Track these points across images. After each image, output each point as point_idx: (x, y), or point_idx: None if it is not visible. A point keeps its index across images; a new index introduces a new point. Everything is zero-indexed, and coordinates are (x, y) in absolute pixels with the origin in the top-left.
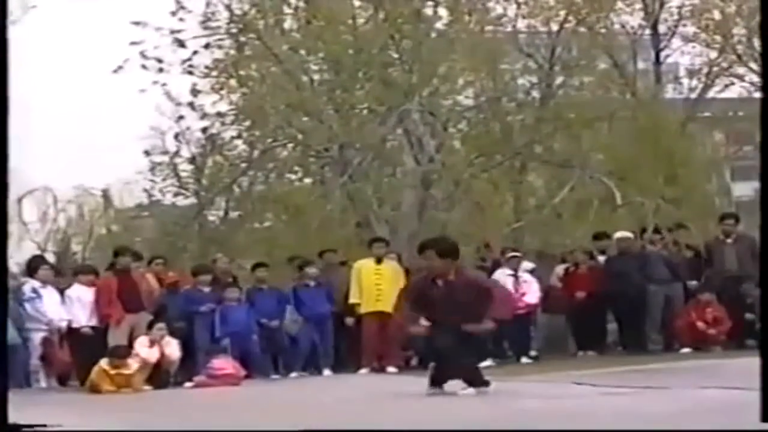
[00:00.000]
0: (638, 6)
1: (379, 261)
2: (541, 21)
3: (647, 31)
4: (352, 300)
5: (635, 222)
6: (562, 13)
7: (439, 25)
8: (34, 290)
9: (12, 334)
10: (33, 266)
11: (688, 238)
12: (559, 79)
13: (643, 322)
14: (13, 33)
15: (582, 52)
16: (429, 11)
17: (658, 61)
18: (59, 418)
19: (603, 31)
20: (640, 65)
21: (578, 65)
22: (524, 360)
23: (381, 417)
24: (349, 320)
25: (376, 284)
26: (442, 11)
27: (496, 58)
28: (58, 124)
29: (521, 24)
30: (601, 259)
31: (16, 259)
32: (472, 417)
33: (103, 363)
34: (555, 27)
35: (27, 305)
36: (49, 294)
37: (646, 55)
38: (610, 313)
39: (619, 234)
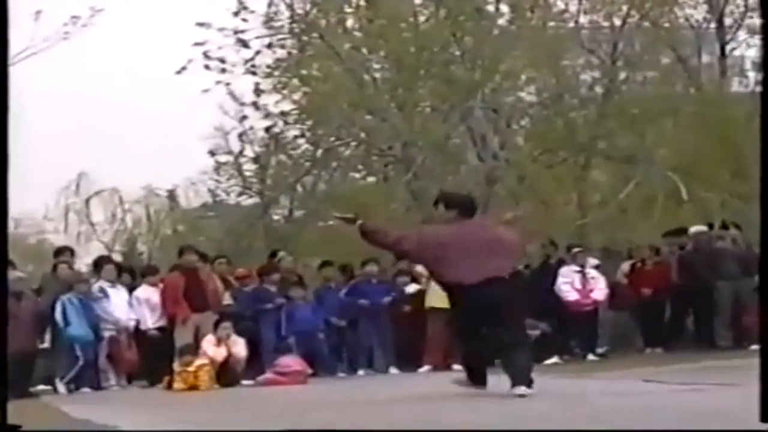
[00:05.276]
0: None
1: None
2: (603, 16)
3: (712, 24)
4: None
5: (701, 217)
6: (625, 7)
7: (501, 21)
8: (102, 290)
9: (85, 332)
10: (98, 266)
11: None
12: (622, 75)
13: (712, 318)
14: (81, 35)
15: (645, 47)
16: (491, 8)
17: (723, 55)
18: (124, 417)
19: (666, 25)
20: (705, 59)
21: (641, 60)
22: (591, 357)
23: (439, 415)
24: (406, 308)
25: None
26: (504, 8)
27: (558, 54)
28: (124, 126)
29: (583, 19)
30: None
31: (85, 260)
32: (539, 416)
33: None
34: (618, 22)
35: (95, 305)
36: (117, 294)
37: (711, 48)
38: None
39: (694, 228)
